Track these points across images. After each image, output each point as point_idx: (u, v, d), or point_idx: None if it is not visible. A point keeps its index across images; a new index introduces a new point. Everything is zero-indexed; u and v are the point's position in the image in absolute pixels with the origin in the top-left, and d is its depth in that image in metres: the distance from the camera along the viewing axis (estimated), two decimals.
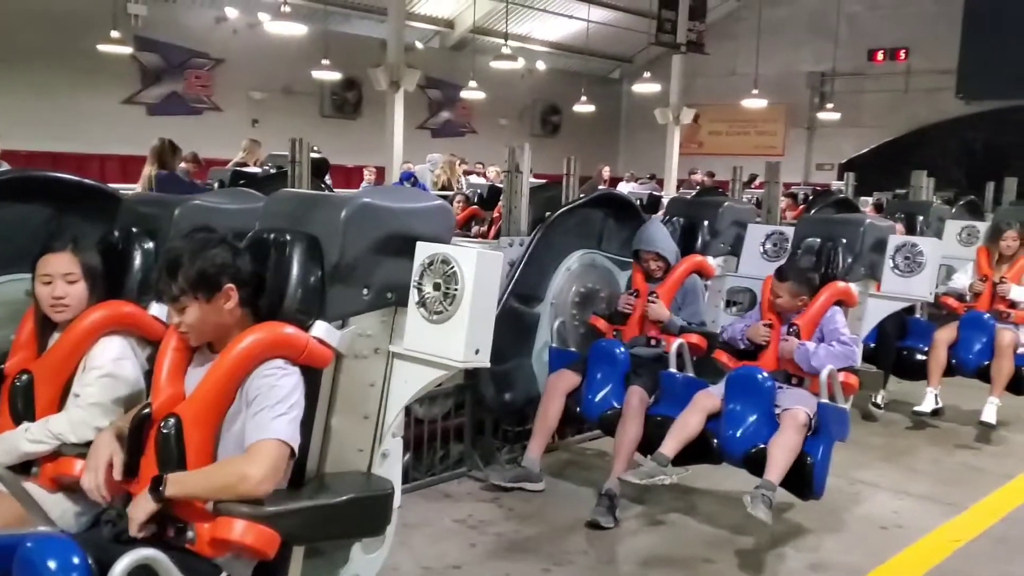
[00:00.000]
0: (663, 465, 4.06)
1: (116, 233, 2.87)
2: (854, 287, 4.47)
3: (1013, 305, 6.08)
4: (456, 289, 2.28)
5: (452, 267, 2.30)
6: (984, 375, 5.98)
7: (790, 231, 5.00)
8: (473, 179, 16.79)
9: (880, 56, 20.52)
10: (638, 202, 13.17)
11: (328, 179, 15.86)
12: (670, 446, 4.09)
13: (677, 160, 19.24)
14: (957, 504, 4.66)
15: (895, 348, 6.35)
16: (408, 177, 11.78)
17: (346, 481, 2.43)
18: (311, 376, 2.31)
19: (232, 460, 2.20)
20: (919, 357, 6.22)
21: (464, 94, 18.62)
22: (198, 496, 2.15)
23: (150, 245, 2.82)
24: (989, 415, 5.76)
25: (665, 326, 4.62)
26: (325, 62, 15.04)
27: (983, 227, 6.94)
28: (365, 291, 2.39)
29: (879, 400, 6.43)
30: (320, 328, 2.30)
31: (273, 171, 8.10)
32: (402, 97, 13.93)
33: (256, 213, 2.65)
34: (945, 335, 6.07)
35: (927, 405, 5.97)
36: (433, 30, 19.94)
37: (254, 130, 15.80)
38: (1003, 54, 17.55)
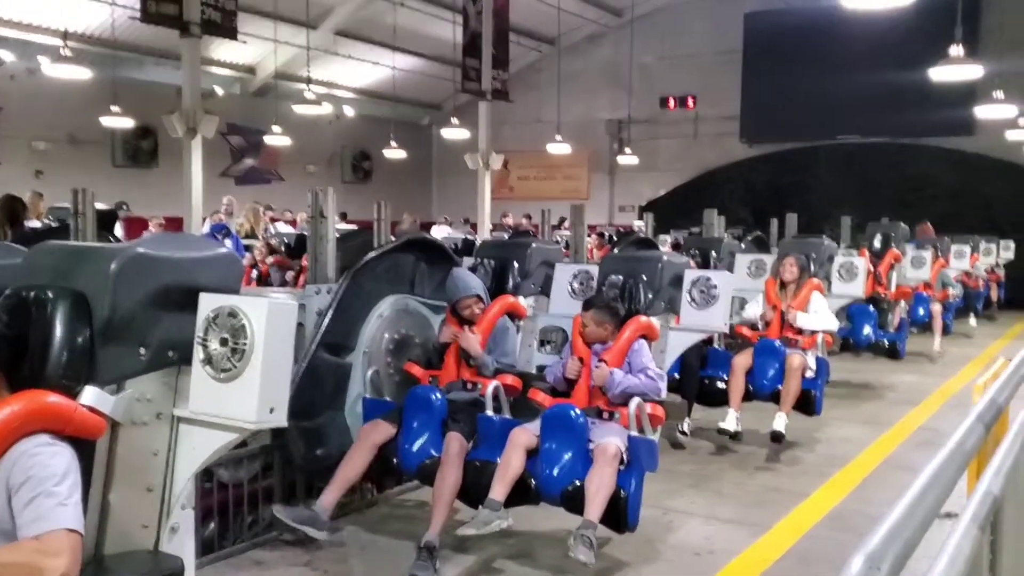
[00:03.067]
0: (496, 510, 4.02)
1: None
2: (656, 321, 4.61)
3: (800, 331, 6.51)
4: (245, 344, 2.12)
5: (240, 320, 2.14)
6: (779, 398, 6.34)
7: (595, 269, 5.12)
8: (280, 227, 16.34)
9: (671, 103, 21.75)
10: (453, 246, 13.28)
11: (120, 230, 14.97)
12: (499, 490, 4.05)
13: (489, 205, 19.53)
14: (761, 525, 4.85)
15: (698, 378, 6.63)
16: (220, 229, 11.03)
17: (129, 562, 2.19)
18: (83, 448, 2.07)
19: (25, 545, 1.91)
20: (720, 385, 6.53)
21: (269, 140, 18.13)
22: None
23: None
24: (778, 424, 6.12)
25: (479, 367, 4.57)
26: (115, 109, 14.21)
27: (770, 260, 7.44)
28: (142, 350, 2.18)
29: (685, 428, 6.67)
30: (90, 395, 2.07)
31: (55, 225, 7.50)
32: (200, 144, 13.33)
33: (16, 269, 2.38)
34: (742, 362, 6.41)
35: (729, 424, 6.26)
36: (233, 76, 19.34)
37: (39, 182, 14.68)
38: (778, 102, 19.09)
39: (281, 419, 2.18)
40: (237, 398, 2.14)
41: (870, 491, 5.49)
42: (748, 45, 19.90)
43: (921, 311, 10.73)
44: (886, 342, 8.77)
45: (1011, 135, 15.42)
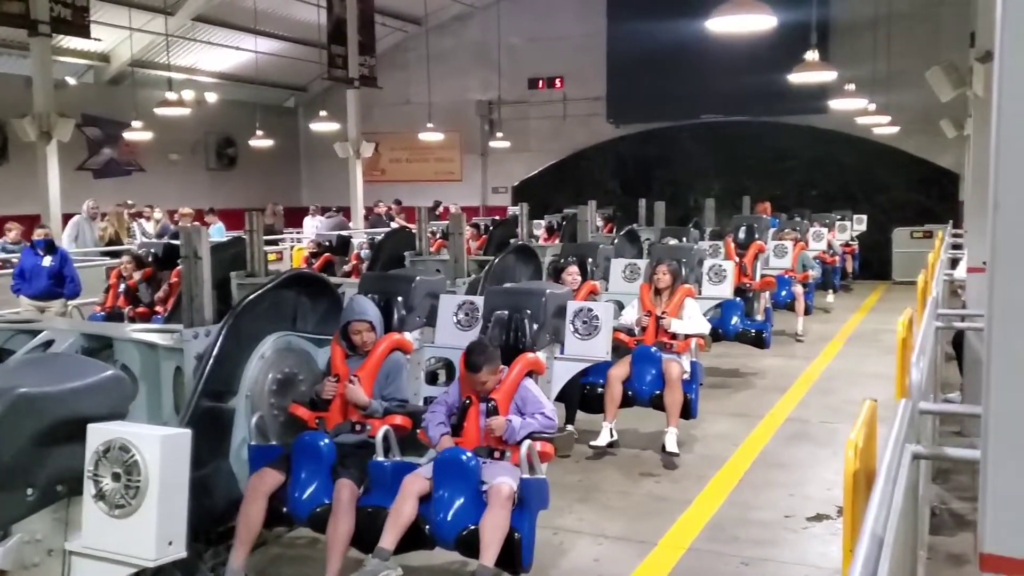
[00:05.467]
0: (385, 559, 4.05)
1: None
2: (542, 355, 4.71)
3: (674, 336, 6.77)
4: (139, 480, 2.08)
5: (133, 455, 2.09)
6: (657, 404, 6.60)
7: (480, 301, 5.18)
8: (146, 226, 15.67)
9: (540, 84, 21.94)
10: (327, 243, 13.06)
11: None
12: (389, 538, 4.08)
13: (362, 193, 19.26)
14: (648, 541, 5.06)
15: (579, 385, 6.79)
16: (41, 245, 9.60)
17: None
18: None
19: None
20: (599, 391, 6.71)
21: (129, 135, 17.30)
22: None
23: None
24: (671, 444, 6.36)
25: (368, 412, 4.57)
26: None
27: (643, 264, 7.69)
28: (30, 491, 2.11)
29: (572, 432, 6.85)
30: None
31: None
32: (55, 148, 12.58)
33: None
34: (618, 372, 6.61)
35: (603, 439, 6.50)
36: (86, 64, 18.31)
37: None
38: (641, 86, 19.57)
39: (180, 550, 2.16)
40: (133, 534, 2.10)
41: (746, 495, 5.80)
42: (612, 27, 20.27)
43: (784, 293, 11.30)
44: (753, 331, 9.18)
45: (860, 120, 16.33)
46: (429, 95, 20.03)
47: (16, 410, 2.06)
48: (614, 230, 14.95)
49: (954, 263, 9.45)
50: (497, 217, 17.42)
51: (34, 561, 2.13)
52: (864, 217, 17.52)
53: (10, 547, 2.06)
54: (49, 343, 4.55)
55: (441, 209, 19.37)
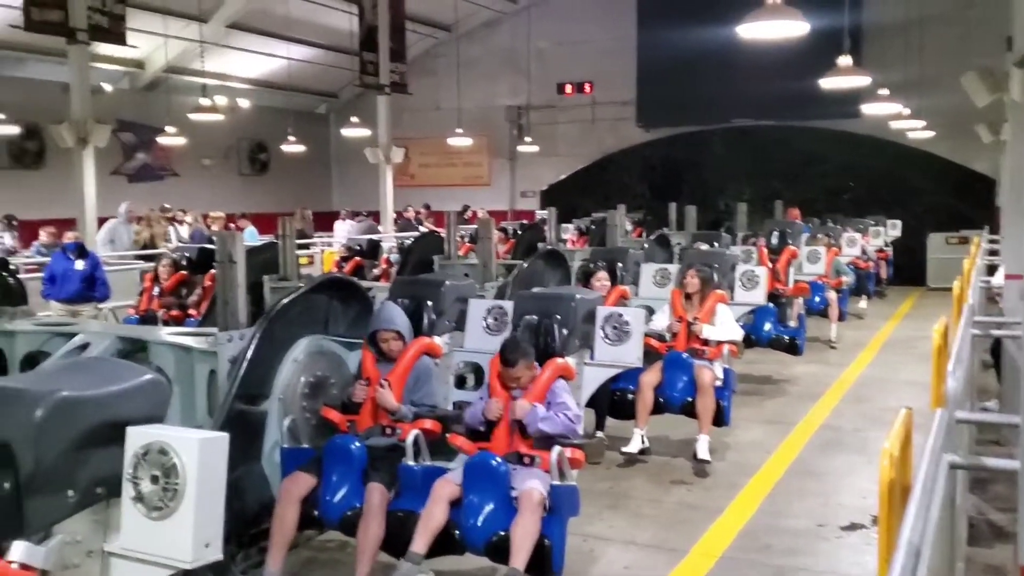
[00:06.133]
0: (417, 563, 4.07)
1: None
2: (571, 360, 4.70)
3: (706, 342, 6.72)
4: (177, 483, 2.11)
5: (171, 458, 2.12)
6: (689, 411, 6.55)
7: (509, 305, 5.18)
8: (181, 230, 15.87)
9: (569, 89, 21.92)
10: (358, 248, 13.15)
11: (9, 239, 14.27)
12: (420, 542, 4.10)
13: (392, 198, 19.36)
14: (679, 549, 5.03)
15: (609, 391, 6.77)
16: (72, 248, 9.44)
17: None
18: None
19: None
20: (630, 397, 6.68)
21: (163, 140, 17.55)
22: None
23: None
24: (703, 451, 6.31)
25: (397, 416, 4.60)
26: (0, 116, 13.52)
27: (674, 269, 7.66)
28: (71, 493, 2.14)
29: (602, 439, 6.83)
30: (19, 550, 2.02)
31: None
32: (92, 153, 12.78)
33: None
34: (650, 378, 6.56)
35: (634, 446, 6.45)
36: (122, 71, 18.58)
37: None
38: (671, 89, 19.49)
39: (217, 553, 2.18)
40: (171, 536, 2.13)
41: (779, 503, 5.75)
42: (641, 31, 20.22)
43: (817, 299, 11.18)
44: (786, 338, 9.09)
45: (894, 124, 16.15)
46: (459, 100, 20.10)
47: (59, 413, 2.10)
48: (643, 234, 14.91)
49: (991, 270, 9.33)
50: (525, 221, 17.43)
51: (74, 562, 2.17)
52: (898, 222, 17.29)
53: (52, 548, 2.10)
54: (85, 346, 4.63)
55: (469, 213, 19.43)
